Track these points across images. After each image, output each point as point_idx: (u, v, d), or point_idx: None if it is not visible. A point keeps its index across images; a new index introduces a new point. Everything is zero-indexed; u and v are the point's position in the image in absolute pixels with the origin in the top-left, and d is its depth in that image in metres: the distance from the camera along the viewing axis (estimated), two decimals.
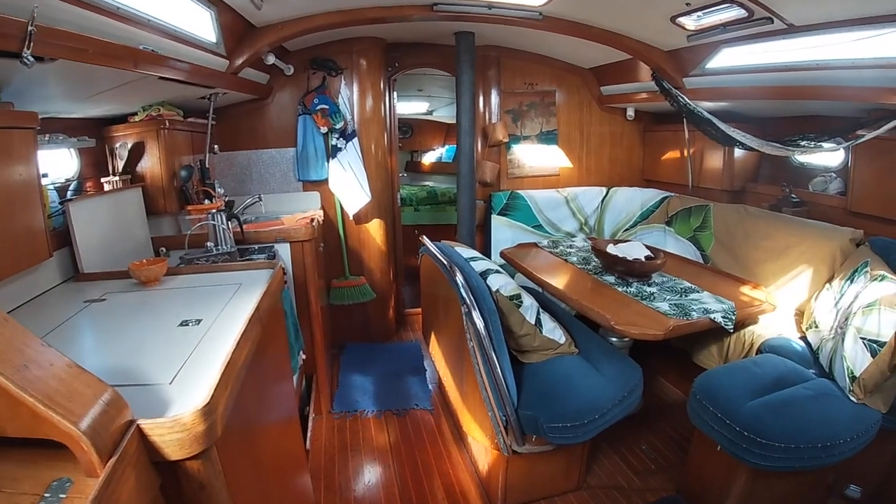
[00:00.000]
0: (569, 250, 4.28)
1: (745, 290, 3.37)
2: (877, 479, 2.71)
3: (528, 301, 2.75)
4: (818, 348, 2.87)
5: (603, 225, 5.22)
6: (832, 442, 2.26)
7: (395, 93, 5.05)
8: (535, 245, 4.49)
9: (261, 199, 3.83)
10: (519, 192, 5.06)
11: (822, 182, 3.96)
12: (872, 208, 3.43)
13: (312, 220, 3.66)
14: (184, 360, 1.54)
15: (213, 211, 3.02)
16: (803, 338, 3.10)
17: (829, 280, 3.18)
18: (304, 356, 3.29)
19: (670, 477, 3.06)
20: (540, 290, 3.60)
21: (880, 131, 3.05)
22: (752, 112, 4.38)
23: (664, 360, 4.04)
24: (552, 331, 2.81)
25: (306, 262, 3.41)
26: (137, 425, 1.11)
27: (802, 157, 4.16)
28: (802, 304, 3.41)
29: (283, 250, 3.35)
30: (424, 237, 3.29)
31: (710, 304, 3.00)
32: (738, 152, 4.46)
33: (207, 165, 3.66)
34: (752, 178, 4.67)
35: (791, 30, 3.04)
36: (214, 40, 3.04)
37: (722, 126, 3.69)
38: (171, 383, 1.40)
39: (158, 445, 1.14)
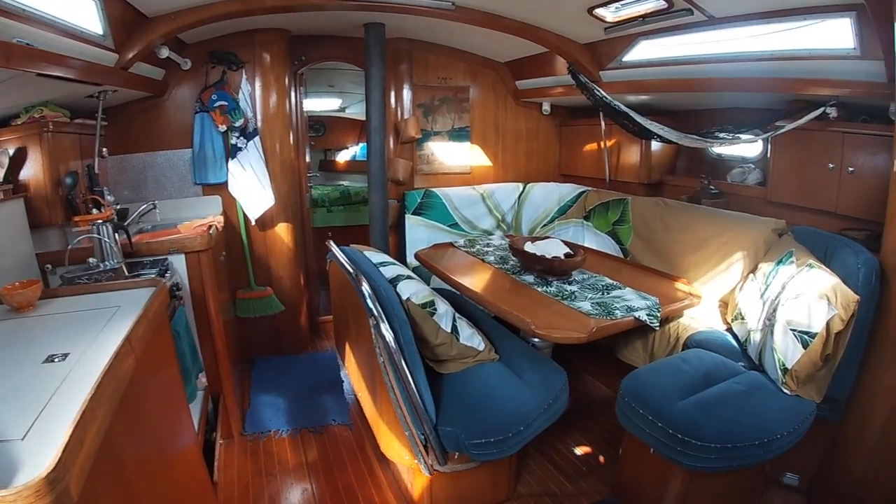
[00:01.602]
0: (486, 249, 4.11)
1: (669, 284, 3.31)
2: (813, 467, 2.70)
3: (443, 308, 2.53)
4: (746, 340, 2.83)
5: (520, 221, 5.11)
6: (769, 438, 2.20)
7: (302, 88, 4.73)
8: (452, 245, 4.29)
9: (156, 206, 3.51)
10: (433, 190, 4.85)
11: (740, 173, 3.98)
12: (791, 197, 3.46)
13: (210, 227, 3.29)
14: (41, 407, 1.27)
15: (98, 222, 2.69)
16: (729, 329, 3.07)
17: (753, 271, 3.15)
18: (204, 380, 3.01)
19: (603, 479, 2.95)
20: (457, 292, 3.40)
21: (800, 122, 3.09)
22: (670, 105, 4.42)
23: (588, 357, 3.92)
24: (470, 338, 2.60)
25: (204, 274, 3.05)
26: None
27: (720, 149, 4.17)
28: (726, 295, 3.39)
29: (179, 262, 2.98)
30: (331, 242, 3.01)
31: (633, 301, 2.89)
32: (655, 145, 4.45)
33: (97, 171, 3.25)
34: (669, 171, 4.68)
35: (710, 21, 3.03)
36: (101, 32, 2.71)
37: (639, 119, 3.63)
38: (23, 439, 1.15)
39: None
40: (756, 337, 2.72)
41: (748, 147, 4.02)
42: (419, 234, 4.71)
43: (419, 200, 4.76)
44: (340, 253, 2.75)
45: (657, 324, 2.72)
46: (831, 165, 3.12)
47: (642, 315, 2.71)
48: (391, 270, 2.67)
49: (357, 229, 7.05)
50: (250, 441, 3.31)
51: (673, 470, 2.35)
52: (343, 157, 9.41)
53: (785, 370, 2.39)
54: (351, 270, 2.49)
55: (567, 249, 3.44)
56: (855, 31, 2.57)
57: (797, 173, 3.39)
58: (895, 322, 2.31)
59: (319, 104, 7.75)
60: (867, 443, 2.40)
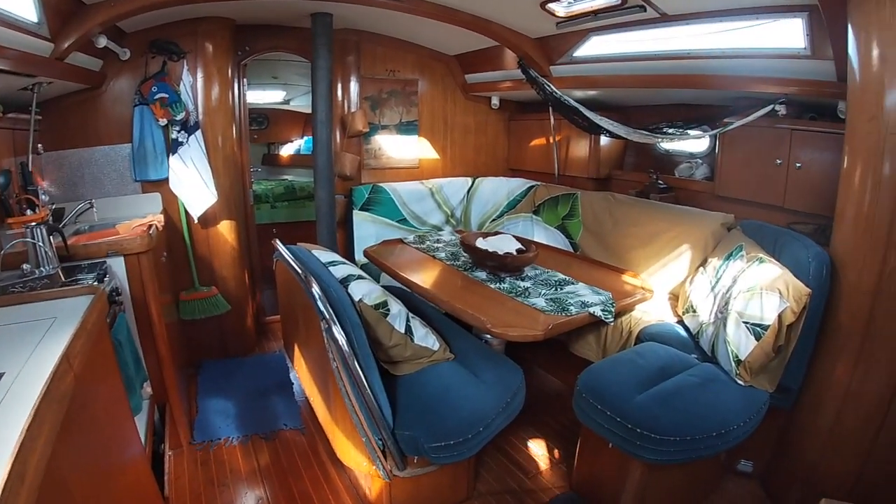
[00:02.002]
0: (436, 245, 4.02)
1: (620, 278, 3.33)
2: (767, 454, 2.77)
3: (396, 308, 2.44)
4: (698, 333, 2.86)
5: (469, 216, 5.06)
6: (726, 429, 2.23)
7: (245, 80, 4.52)
8: (401, 241, 4.18)
9: (93, 206, 3.29)
10: (381, 185, 4.73)
11: (688, 168, 4.05)
12: (739, 192, 3.53)
13: (150, 226, 3.08)
14: None
15: (33, 224, 2.50)
16: (680, 322, 3.11)
17: (703, 264, 3.20)
18: (149, 389, 2.86)
19: (562, 473, 2.94)
20: (408, 290, 3.33)
21: (749, 119, 3.15)
22: (618, 100, 4.44)
23: (540, 351, 3.90)
24: (424, 337, 2.52)
25: (145, 277, 2.85)
26: None
27: (668, 145, 4.22)
28: (676, 288, 3.44)
29: (118, 265, 2.76)
30: (277, 241, 2.89)
31: (586, 297, 2.89)
32: (603, 140, 4.47)
33: (31, 168, 3.03)
34: (617, 166, 4.71)
35: (663, 19, 3.03)
36: (36, 20, 2.50)
37: (589, 114, 3.64)
38: None
39: None
40: (708, 329, 2.75)
41: (696, 143, 4.07)
42: (367, 230, 4.59)
43: (367, 196, 4.63)
44: (288, 253, 2.62)
45: (612, 319, 2.73)
46: (779, 161, 3.19)
47: (597, 311, 2.71)
48: (341, 270, 2.56)
49: (303, 225, 6.84)
50: (200, 450, 3.13)
51: (632, 463, 2.36)
52: (287, 150, 9.12)
53: (738, 361, 2.43)
54: (300, 271, 2.36)
55: (519, 245, 3.41)
56: (806, 32, 2.63)
57: (745, 169, 3.45)
58: (845, 314, 2.35)
59: (263, 96, 7.48)
60: (820, 430, 2.47)
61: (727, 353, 2.50)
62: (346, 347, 2.02)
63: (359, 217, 4.60)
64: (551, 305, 2.75)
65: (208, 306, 4.12)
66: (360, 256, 4.28)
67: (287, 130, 9.04)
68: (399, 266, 3.49)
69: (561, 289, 3.02)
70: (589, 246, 4.18)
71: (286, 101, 7.90)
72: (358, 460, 2.46)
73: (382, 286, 2.76)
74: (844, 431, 2.39)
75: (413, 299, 3.18)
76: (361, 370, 2.07)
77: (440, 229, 4.84)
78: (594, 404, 2.38)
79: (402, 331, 2.42)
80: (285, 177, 8.70)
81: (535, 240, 4.35)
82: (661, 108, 4.25)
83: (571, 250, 4.29)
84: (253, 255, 4.73)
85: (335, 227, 4.28)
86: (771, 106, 3.13)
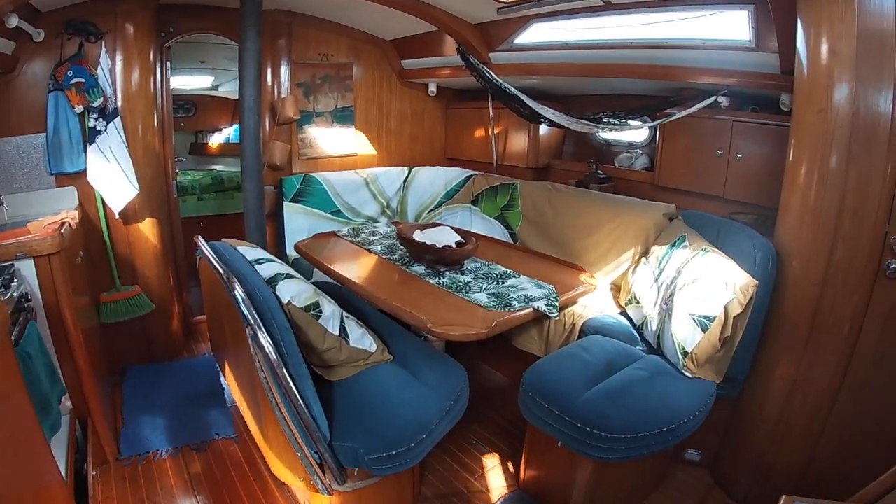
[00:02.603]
0: (371, 238, 3.85)
1: (563, 270, 3.27)
2: (714, 443, 2.80)
3: (329, 308, 2.25)
4: (643, 324, 2.84)
5: (406, 207, 4.89)
6: (676, 423, 2.21)
7: (169, 63, 4.18)
8: (335, 234, 3.98)
9: (2, 202, 3.00)
10: (313, 175, 4.49)
11: (627, 158, 4.04)
12: (679, 182, 3.54)
13: (62, 224, 2.75)
14: None
15: None
16: (623, 313, 3.08)
17: (645, 255, 3.17)
18: (68, 403, 2.63)
19: (509, 472, 2.85)
20: (342, 286, 3.12)
21: (692, 110, 3.16)
22: (559, 90, 4.39)
23: (482, 345, 3.71)
24: (360, 339, 2.35)
25: (57, 280, 2.54)
26: None
27: (608, 135, 4.20)
28: (618, 278, 3.41)
29: (27, 268, 2.46)
30: (199, 238, 2.63)
31: (529, 290, 2.80)
32: (542, 130, 4.41)
33: None
34: (556, 156, 4.67)
35: (606, 7, 2.99)
36: None
37: (530, 103, 3.55)
38: None
39: None
40: (653, 321, 2.73)
41: (636, 133, 4.07)
42: (299, 222, 4.35)
43: (298, 186, 4.39)
44: (210, 251, 2.40)
45: (556, 314, 2.64)
46: (719, 152, 3.22)
47: (541, 305, 2.61)
48: (269, 269, 2.34)
49: (232, 218, 6.38)
50: (128, 466, 2.86)
51: (581, 461, 2.31)
52: (216, 139, 8.58)
53: (685, 353, 2.42)
54: (222, 272, 2.14)
55: (458, 237, 3.28)
56: (752, 24, 2.64)
57: (685, 159, 3.47)
58: (791, 305, 2.38)
59: (189, 82, 7.06)
60: (767, 420, 2.50)
61: (674, 346, 2.48)
62: (274, 356, 1.82)
63: (290, 209, 4.36)
64: (493, 301, 2.64)
65: (132, 307, 3.78)
66: (291, 251, 4.05)
67: (216, 118, 8.53)
68: (332, 261, 3.30)
69: (503, 282, 2.92)
70: (529, 237, 4.11)
71: (214, 87, 7.51)
72: (293, 476, 2.27)
73: (315, 283, 2.62)
74: (791, 421, 2.42)
75: (348, 296, 2.99)
76: (292, 380, 1.88)
77: (375, 221, 4.64)
78: (541, 403, 2.30)
79: (337, 333, 2.24)
80: (214, 167, 8.23)
81: (474, 231, 4.25)
82: (602, 98, 4.20)
83: (511, 241, 4.20)
84: (178, 251, 4.40)
85: (264, 220, 3.98)
86: (714, 97, 3.14)
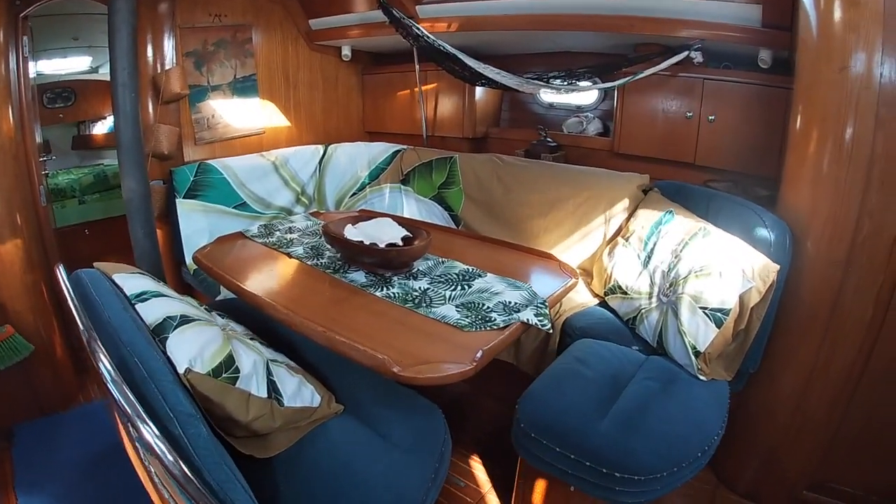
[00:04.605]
0: (289, 237, 2.98)
1: (530, 259, 2.66)
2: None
3: (249, 361, 1.58)
4: (635, 319, 2.44)
5: (324, 192, 4.17)
6: (709, 443, 1.85)
7: (26, 39, 3.24)
8: (242, 235, 3.03)
9: None
10: (209, 162, 3.65)
11: (577, 123, 3.63)
12: (642, 149, 3.25)
13: None
14: None
15: None
16: (603, 303, 2.69)
17: (621, 234, 2.79)
18: None
19: None
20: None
21: (662, 66, 2.91)
22: (493, 48, 3.88)
23: None
24: (297, 392, 1.70)
25: None
26: None
27: (552, 97, 3.79)
28: (585, 262, 3.04)
29: None
30: (59, 268, 1.74)
31: (505, 294, 2.15)
32: (478, 94, 3.89)
33: None
34: (494, 123, 4.17)
35: None
36: None
37: (470, 62, 3.01)
38: None
39: None
40: (652, 316, 2.34)
41: (582, 95, 3.71)
42: (197, 223, 3.50)
43: (192, 178, 3.53)
44: (70, 290, 1.60)
45: (549, 325, 2.00)
46: (689, 114, 3.00)
47: (530, 318, 1.97)
48: (155, 308, 1.58)
49: (122, 221, 5.26)
50: None
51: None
52: (101, 129, 7.46)
53: (697, 353, 2.09)
54: (83, 328, 1.41)
55: (403, 230, 2.57)
56: None
57: (649, 123, 3.18)
58: (808, 288, 2.11)
59: (64, 65, 6.12)
60: (780, 411, 2.30)
61: (683, 345, 2.13)
62: (176, 469, 1.09)
63: (184, 207, 3.49)
64: (467, 316, 1.98)
65: (5, 353, 2.95)
66: (192, 262, 3.25)
67: (98, 105, 7.34)
68: (240, 274, 2.46)
69: (469, 285, 2.27)
70: (475, 218, 3.58)
71: (94, 69, 6.51)
72: None
73: (222, 301, 2.20)
74: (807, 414, 2.22)
75: (271, 326, 2.26)
76: (212, 493, 1.17)
77: (291, 212, 3.94)
78: (548, 445, 1.81)
79: (265, 394, 1.58)
80: (99, 162, 7.15)
81: (407, 215, 3.72)
82: (546, 56, 3.79)
83: (454, 225, 3.65)
84: (55, 272, 3.51)
85: (153, 225, 3.21)
86: (687, 52, 2.81)
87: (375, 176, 4.16)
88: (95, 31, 5.14)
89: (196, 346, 1.46)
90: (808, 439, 2.25)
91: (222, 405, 1.45)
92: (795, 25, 2.28)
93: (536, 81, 3.01)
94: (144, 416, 1.15)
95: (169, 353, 1.39)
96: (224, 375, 1.47)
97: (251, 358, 1.60)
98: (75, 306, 1.49)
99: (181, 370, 1.36)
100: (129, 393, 1.18)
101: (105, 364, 1.22)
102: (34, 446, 2.98)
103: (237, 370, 1.51)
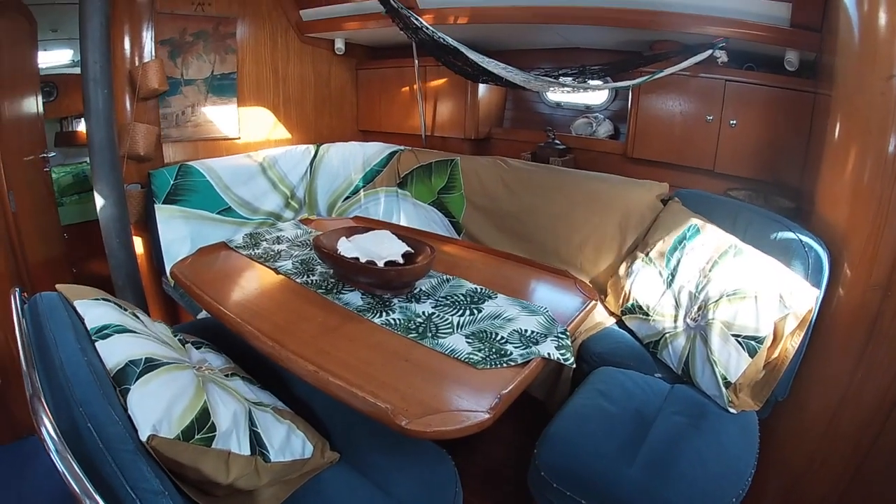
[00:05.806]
0: (276, 248, 2.70)
1: (542, 275, 2.44)
2: None
3: (228, 413, 1.33)
4: (657, 343, 2.23)
5: (315, 196, 3.93)
6: (744, 485, 1.69)
7: None
8: (225, 245, 2.75)
9: None
10: (191, 164, 3.37)
11: (586, 124, 3.44)
12: (657, 154, 3.10)
13: None
14: None
15: None
16: (620, 322, 2.50)
17: (639, 248, 2.61)
18: None
19: None
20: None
21: (684, 65, 2.66)
22: (497, 43, 3.70)
23: None
24: (286, 443, 1.46)
25: None
26: None
27: (561, 97, 3.61)
28: (598, 277, 2.84)
29: None
30: (15, 292, 1.45)
31: (520, 321, 1.92)
32: (481, 92, 3.68)
33: None
34: (497, 124, 3.97)
35: None
36: None
37: (474, 56, 2.79)
38: None
39: None
40: (677, 341, 2.15)
41: (592, 95, 3.54)
42: (178, 231, 3.22)
43: (172, 182, 3.26)
44: (22, 321, 1.34)
45: (572, 359, 1.77)
46: (709, 117, 2.84)
47: (552, 352, 1.73)
48: (118, 350, 1.31)
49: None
50: None
51: None
52: (83, 125, 7.33)
53: (727, 384, 1.92)
54: (27, 382, 1.14)
55: (403, 245, 2.32)
56: None
57: (666, 126, 3.03)
58: (846, 311, 1.95)
59: (44, 58, 5.65)
60: (807, 439, 2.15)
61: (713, 375, 1.95)
62: None
63: (164, 213, 3.21)
64: (480, 349, 1.74)
65: None
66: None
67: (81, 99, 7.22)
68: (221, 294, 2.15)
69: (478, 310, 2.02)
70: (477, 226, 3.38)
71: (76, 63, 6.07)
72: None
73: (202, 321, 1.96)
74: (838, 438, 2.06)
75: (254, 358, 1.96)
76: None
77: (279, 217, 3.69)
78: (572, 496, 1.61)
79: (247, 451, 1.34)
80: (82, 160, 6.89)
81: (404, 223, 3.52)
82: (551, 52, 3.61)
83: (455, 233, 3.45)
84: (25, 284, 3.18)
85: (129, 233, 2.98)
86: (710, 50, 2.62)
87: (370, 179, 3.94)
88: (74, 21, 4.77)
89: (162, 402, 1.20)
90: (835, 467, 2.11)
91: (197, 469, 1.22)
92: (827, 27, 2.15)
93: (546, 78, 2.81)
94: (97, 497, 0.93)
95: (130, 414, 1.15)
96: (197, 437, 1.22)
97: (230, 409, 1.36)
98: (26, 339, 1.25)
99: (144, 437, 1.11)
100: (77, 468, 0.95)
101: (49, 430, 0.98)
102: (6, 471, 2.77)
103: (213, 427, 1.27)
